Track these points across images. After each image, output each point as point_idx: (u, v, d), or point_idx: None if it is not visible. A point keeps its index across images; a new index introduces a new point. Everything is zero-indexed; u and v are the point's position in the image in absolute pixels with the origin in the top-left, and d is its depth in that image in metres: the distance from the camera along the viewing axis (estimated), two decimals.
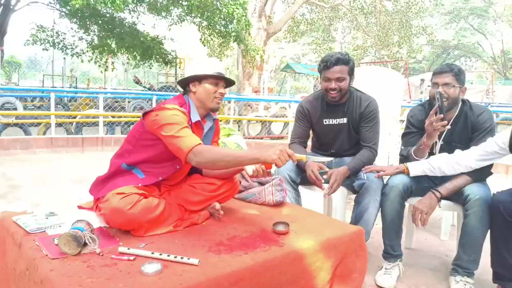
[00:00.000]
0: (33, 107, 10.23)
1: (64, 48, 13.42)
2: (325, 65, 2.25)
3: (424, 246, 2.73)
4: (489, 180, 2.15)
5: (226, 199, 1.87)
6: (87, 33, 13.27)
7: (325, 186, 2.21)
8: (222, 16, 10.14)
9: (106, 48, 13.33)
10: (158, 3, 11.51)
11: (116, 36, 12.55)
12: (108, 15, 12.38)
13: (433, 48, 34.10)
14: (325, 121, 2.40)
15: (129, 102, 9.00)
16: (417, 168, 2.09)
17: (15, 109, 8.07)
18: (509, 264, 1.94)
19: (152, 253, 1.37)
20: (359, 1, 18.23)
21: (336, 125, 2.38)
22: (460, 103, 2.13)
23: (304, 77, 26.32)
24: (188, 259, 1.33)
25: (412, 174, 2.10)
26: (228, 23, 10.20)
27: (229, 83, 1.85)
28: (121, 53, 13.56)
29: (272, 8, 15.87)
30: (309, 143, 2.59)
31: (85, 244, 1.39)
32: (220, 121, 8.06)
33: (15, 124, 6.39)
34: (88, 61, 13.54)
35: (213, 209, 1.80)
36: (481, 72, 25.09)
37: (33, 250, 1.39)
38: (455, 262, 2.07)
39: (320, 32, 26.29)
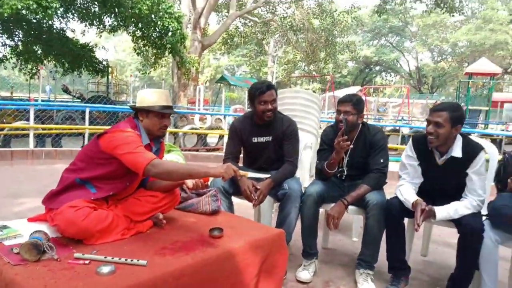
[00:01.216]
0: None
1: None
2: (261, 90, 2.62)
3: (338, 245, 3.20)
4: (385, 187, 2.65)
5: (168, 210, 2.12)
6: (11, 39, 12.50)
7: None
8: (157, 28, 10.23)
9: (31, 55, 12.65)
10: (90, 12, 11.26)
11: (43, 43, 12.00)
12: (34, 20, 11.82)
13: (356, 64, 36.71)
14: (254, 139, 2.76)
15: (58, 112, 8.72)
16: (443, 212, 2.23)
17: None
18: (400, 257, 2.44)
19: (105, 257, 1.60)
20: (288, 18, 19.24)
21: (263, 142, 2.76)
22: (360, 125, 2.62)
23: (238, 88, 26.92)
24: (137, 261, 1.59)
25: (438, 218, 2.22)
26: (163, 35, 10.30)
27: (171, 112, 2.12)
28: (48, 60, 12.96)
29: (206, 20, 16.18)
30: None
31: (43, 252, 1.58)
32: None
33: None
34: (13, 68, 12.74)
35: (156, 219, 2.05)
36: (398, 86, 27.56)
37: None
38: (359, 257, 2.52)
39: (253, 46, 27.17)
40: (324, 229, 3.08)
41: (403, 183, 2.45)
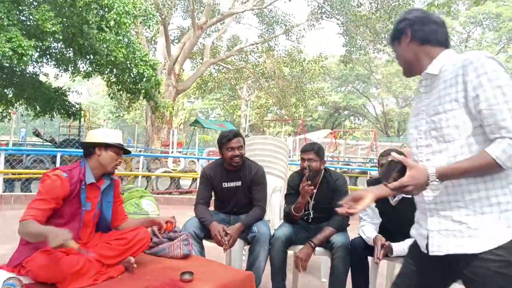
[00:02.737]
0: None
1: None
2: (228, 138, 2.81)
3: (307, 287, 3.29)
4: (348, 228, 2.81)
5: (139, 252, 2.19)
6: None
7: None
8: (131, 75, 10.44)
9: (2, 98, 12.51)
10: (65, 58, 11.41)
11: (15, 87, 11.94)
12: (7, 64, 11.82)
13: (326, 108, 38.05)
14: (224, 184, 2.90)
15: (28, 155, 8.59)
16: (399, 248, 2.42)
17: None
18: None
19: None
20: (260, 66, 20.04)
21: (233, 187, 2.90)
22: (323, 171, 2.82)
23: (212, 131, 27.21)
24: None
25: (394, 253, 2.41)
26: (137, 80, 10.50)
27: (126, 152, 2.29)
28: (19, 104, 12.84)
29: (181, 67, 16.62)
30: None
31: None
32: (127, 178, 8.12)
33: None
34: None
35: (127, 263, 2.12)
36: (366, 130, 28.62)
37: None
38: None
39: (227, 90, 27.85)
40: (293, 271, 3.17)
41: (364, 223, 2.64)
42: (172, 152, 12.84)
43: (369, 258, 2.61)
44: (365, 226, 2.62)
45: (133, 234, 2.16)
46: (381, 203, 2.60)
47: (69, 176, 2.04)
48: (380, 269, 2.80)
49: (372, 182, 2.67)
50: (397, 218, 2.57)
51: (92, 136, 2.17)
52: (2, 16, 7.12)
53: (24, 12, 8.60)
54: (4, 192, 6.06)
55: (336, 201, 2.72)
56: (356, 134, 31.61)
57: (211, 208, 3.02)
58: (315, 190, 2.66)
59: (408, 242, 2.42)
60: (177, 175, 8.75)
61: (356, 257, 2.55)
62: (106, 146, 2.15)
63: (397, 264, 2.87)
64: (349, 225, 2.78)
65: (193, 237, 2.66)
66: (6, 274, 1.86)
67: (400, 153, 1.33)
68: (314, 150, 2.74)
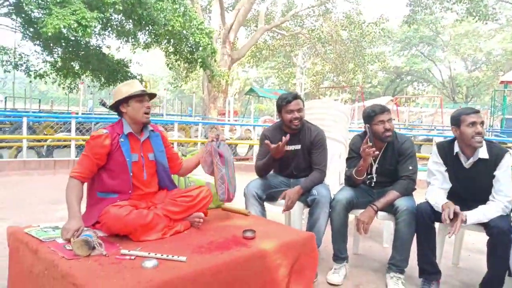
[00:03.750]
0: None
1: (27, 70, 13.29)
2: (287, 100, 2.75)
3: (368, 251, 3.23)
4: (414, 195, 2.68)
5: (203, 209, 2.25)
6: (50, 55, 13.26)
7: (282, 202, 2.65)
8: (188, 44, 10.60)
9: (70, 70, 13.35)
10: (125, 29, 11.81)
11: (81, 59, 12.65)
12: (73, 38, 12.49)
13: (387, 74, 36.26)
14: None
15: (95, 124, 9.17)
16: (473, 217, 2.25)
17: None
18: (431, 261, 2.46)
19: (149, 253, 1.75)
20: (317, 30, 19.37)
21: (292, 150, 2.85)
22: None
23: (267, 99, 27.17)
24: (178, 257, 1.72)
25: (469, 222, 2.24)
26: (194, 50, 10.66)
27: (152, 95, 2.27)
28: (86, 75, 13.63)
29: (235, 35, 16.56)
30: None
31: (93, 248, 1.74)
32: (187, 144, 8.39)
33: None
34: (52, 83, 13.48)
35: (193, 219, 2.19)
36: (431, 96, 26.96)
37: (50, 254, 1.73)
38: (390, 262, 2.55)
39: (281, 58, 27.42)
40: (354, 235, 3.13)
41: (432, 188, 2.50)
42: (229, 120, 13.03)
43: (436, 224, 2.49)
44: (434, 191, 2.47)
45: (196, 192, 2.22)
46: (453, 166, 2.45)
47: (110, 131, 2.14)
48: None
49: (443, 146, 2.51)
50: (470, 183, 2.41)
51: (113, 98, 2.22)
52: None
53: None
54: (76, 157, 6.54)
55: (402, 165, 2.61)
56: (419, 101, 29.92)
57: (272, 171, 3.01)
58: (377, 152, 2.53)
59: (482, 209, 2.26)
60: (234, 142, 8.89)
61: (422, 222, 2.42)
62: (125, 100, 2.17)
63: (467, 231, 2.73)
64: (415, 189, 2.64)
65: (254, 198, 2.69)
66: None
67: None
68: (388, 110, 2.61)
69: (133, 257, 1.72)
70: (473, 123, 2.32)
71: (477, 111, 2.37)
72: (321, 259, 2.65)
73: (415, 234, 2.48)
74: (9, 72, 13.30)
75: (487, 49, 31.34)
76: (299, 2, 23.04)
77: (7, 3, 11.69)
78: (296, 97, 2.76)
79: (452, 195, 2.45)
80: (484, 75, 33.80)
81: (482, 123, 2.33)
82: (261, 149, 2.95)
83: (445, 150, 2.50)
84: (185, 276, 1.60)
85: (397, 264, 2.51)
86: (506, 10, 26.91)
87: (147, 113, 2.19)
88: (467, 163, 2.40)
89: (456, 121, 2.39)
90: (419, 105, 30.94)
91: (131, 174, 2.14)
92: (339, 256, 2.63)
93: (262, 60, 23.70)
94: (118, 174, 2.12)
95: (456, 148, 2.44)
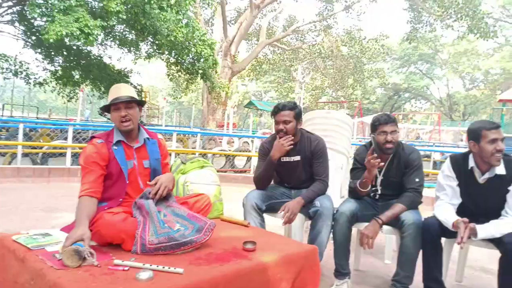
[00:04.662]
0: None
1: (27, 78, 13.27)
2: (275, 110, 2.69)
3: (370, 268, 3.11)
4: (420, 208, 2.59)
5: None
6: (51, 64, 13.26)
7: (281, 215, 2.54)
8: (190, 55, 10.62)
9: (70, 79, 13.34)
10: (128, 39, 11.84)
11: (82, 68, 12.65)
12: (74, 47, 12.51)
13: (385, 90, 36.44)
14: (283, 159, 2.76)
15: (94, 132, 9.08)
16: (484, 231, 2.16)
17: None
18: (437, 278, 2.36)
19: (143, 264, 1.64)
20: (317, 45, 19.49)
21: (291, 162, 2.76)
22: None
23: (266, 112, 27.18)
24: (174, 268, 1.62)
25: (479, 237, 2.15)
26: (195, 61, 10.67)
27: (138, 102, 2.14)
28: (85, 84, 13.61)
29: (237, 48, 16.65)
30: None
31: (84, 259, 1.63)
32: (185, 155, 8.30)
33: None
34: (51, 91, 13.44)
35: None
36: (429, 113, 27.05)
37: (38, 263, 1.62)
38: (394, 278, 2.45)
39: (281, 72, 27.57)
40: (355, 251, 3.02)
41: (441, 203, 2.40)
42: (227, 132, 12.98)
43: (443, 240, 2.39)
44: (443, 206, 2.37)
45: (194, 199, 2.13)
46: (466, 181, 2.36)
47: (105, 140, 2.07)
48: (452, 253, 2.57)
49: (456, 159, 2.42)
50: (482, 199, 2.32)
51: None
52: None
53: None
54: (71, 165, 6.43)
55: (408, 177, 2.52)
56: (416, 118, 30.01)
57: (272, 183, 2.92)
58: (382, 163, 2.44)
59: (495, 223, 2.17)
60: (232, 153, 8.81)
61: (429, 237, 2.33)
62: (107, 109, 2.12)
63: (472, 247, 2.62)
64: (421, 203, 2.55)
65: (254, 209, 2.59)
66: None
67: None
68: (394, 121, 2.52)
69: (126, 268, 1.61)
70: (494, 140, 2.20)
71: (498, 126, 2.24)
72: (321, 275, 2.53)
73: (421, 250, 2.38)
74: (9, 79, 13.29)
75: (485, 68, 31.61)
76: (301, 17, 23.29)
77: (10, 10, 11.73)
78: (285, 107, 2.66)
79: (461, 211, 2.35)
80: (482, 94, 34.03)
81: (503, 139, 2.22)
82: (259, 163, 2.85)
83: (458, 163, 2.39)
84: None
85: (401, 281, 2.40)
86: (505, 29, 27.24)
87: (124, 121, 2.07)
88: (481, 178, 2.31)
89: (475, 135, 2.26)
90: (416, 122, 31.06)
91: (127, 182, 2.06)
92: (341, 271, 2.53)
93: (262, 74, 23.82)
94: (114, 183, 2.05)
95: (471, 163, 2.34)
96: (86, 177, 1.98)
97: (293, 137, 2.62)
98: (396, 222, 2.46)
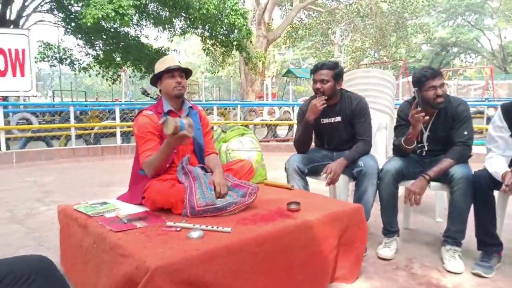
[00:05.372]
0: (44, 121, 10.67)
1: (72, 64, 13.87)
2: (313, 69, 2.64)
3: (420, 226, 3.06)
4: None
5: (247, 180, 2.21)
6: (92, 48, 13.75)
7: (324, 176, 2.53)
8: (223, 27, 10.58)
9: (111, 62, 13.80)
10: (162, 17, 11.96)
11: (122, 50, 13.01)
12: (112, 30, 12.84)
13: (431, 46, 34.44)
14: (322, 120, 2.71)
15: (138, 111, 9.40)
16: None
17: (31, 123, 8.50)
18: (491, 232, 2.27)
19: (194, 225, 1.73)
20: (355, 4, 18.64)
21: (332, 123, 2.71)
22: None
23: (305, 80, 26.73)
24: (223, 228, 1.69)
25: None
26: (229, 32, 10.63)
27: (186, 72, 2.24)
28: (127, 66, 14.03)
29: (270, 15, 16.30)
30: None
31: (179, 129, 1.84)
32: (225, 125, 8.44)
33: (38, 138, 6.82)
34: (96, 75, 14.00)
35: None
36: (480, 67, 25.33)
37: (99, 228, 1.75)
38: (445, 234, 2.39)
39: (318, 36, 26.75)
40: (404, 209, 2.97)
41: (492, 155, 2.28)
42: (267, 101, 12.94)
43: (496, 193, 2.29)
44: (494, 158, 2.26)
45: (239, 165, 2.18)
46: None
47: (155, 112, 2.15)
48: (508, 209, 2.46)
49: (508, 109, 2.27)
50: None
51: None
52: None
53: None
54: (122, 143, 6.76)
55: (456, 131, 2.42)
56: (468, 73, 28.21)
57: (312, 145, 2.91)
58: (427, 117, 2.35)
59: None
60: (273, 123, 8.82)
61: (480, 190, 2.23)
62: (159, 77, 2.19)
63: None
64: (471, 156, 2.44)
65: (296, 172, 2.60)
66: (134, 207, 2.04)
67: None
68: (441, 73, 2.40)
69: (178, 229, 1.71)
70: None
71: None
72: (370, 234, 2.54)
73: (472, 203, 2.30)
74: (55, 66, 13.95)
75: None
76: None
77: None
78: (324, 66, 2.60)
79: None
80: None
81: None
82: (298, 126, 2.84)
83: (510, 112, 2.25)
84: (230, 246, 1.56)
85: (453, 236, 2.35)
86: None
87: (178, 87, 2.16)
88: None
89: None
90: (468, 77, 29.23)
91: (176, 151, 2.13)
92: (390, 229, 2.51)
93: (298, 40, 23.21)
94: None
95: None
96: (145, 145, 2.07)
97: (326, 97, 2.57)
98: (444, 177, 2.38)
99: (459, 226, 2.33)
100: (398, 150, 2.59)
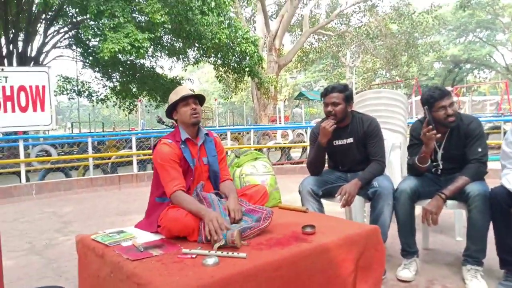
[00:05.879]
0: (62, 152, 10.93)
1: (89, 96, 14.29)
2: (324, 92, 2.68)
3: (440, 246, 3.00)
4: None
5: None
6: (109, 80, 14.19)
7: (339, 197, 2.52)
8: (235, 54, 10.84)
9: (128, 93, 14.18)
10: (176, 48, 12.32)
11: (138, 81, 13.38)
12: (128, 62, 13.27)
13: (443, 64, 34.31)
14: (335, 142, 2.73)
15: (154, 140, 9.59)
16: None
17: (50, 155, 8.71)
18: None
19: (209, 251, 1.74)
20: (364, 27, 18.85)
21: (344, 145, 2.72)
22: None
23: (318, 103, 26.80)
24: (238, 253, 1.69)
25: None
26: (241, 60, 10.87)
27: (200, 99, 2.27)
28: (143, 96, 14.39)
29: (281, 41, 16.61)
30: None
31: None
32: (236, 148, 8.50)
33: (57, 169, 6.98)
34: (113, 106, 14.37)
35: None
36: (495, 82, 24.99)
37: (115, 257, 1.77)
38: (465, 253, 2.34)
39: (329, 59, 27.00)
40: (423, 229, 2.92)
41: (508, 172, 2.25)
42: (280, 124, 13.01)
43: None
44: (510, 174, 2.23)
45: (253, 190, 2.19)
46: None
47: (173, 140, 2.17)
48: None
49: None
50: None
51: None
52: (118, 15, 7.95)
53: (135, 8, 9.47)
54: (138, 171, 6.86)
55: (470, 148, 2.40)
56: (482, 88, 27.86)
57: (326, 167, 2.91)
58: (439, 135, 2.34)
59: None
60: (286, 145, 8.84)
61: (498, 208, 2.19)
62: (174, 106, 2.22)
63: None
64: (487, 173, 2.41)
65: (310, 195, 2.60)
66: (143, 232, 2.07)
67: None
68: (449, 93, 2.41)
69: (194, 256, 1.71)
70: None
71: None
72: (388, 256, 2.50)
73: (491, 221, 2.25)
74: (74, 99, 14.39)
75: None
76: (343, 0, 22.61)
77: (67, 35, 12.68)
78: (334, 89, 2.64)
79: None
80: None
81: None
82: (311, 149, 2.86)
83: None
84: (246, 272, 1.56)
85: (473, 255, 2.30)
86: None
87: (194, 114, 2.20)
88: None
89: None
90: (482, 93, 28.84)
91: (192, 179, 2.16)
92: (408, 250, 2.47)
93: (309, 64, 23.49)
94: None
95: None
96: (171, 173, 2.07)
97: (335, 119, 2.60)
98: (461, 195, 2.35)
99: (479, 245, 2.28)
100: (412, 169, 2.58)
